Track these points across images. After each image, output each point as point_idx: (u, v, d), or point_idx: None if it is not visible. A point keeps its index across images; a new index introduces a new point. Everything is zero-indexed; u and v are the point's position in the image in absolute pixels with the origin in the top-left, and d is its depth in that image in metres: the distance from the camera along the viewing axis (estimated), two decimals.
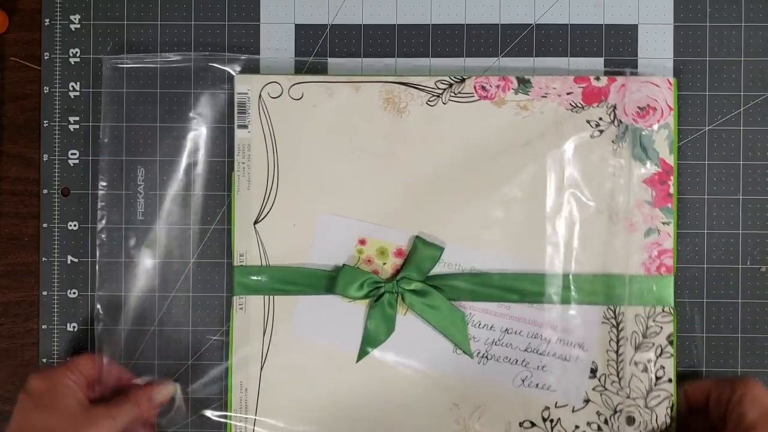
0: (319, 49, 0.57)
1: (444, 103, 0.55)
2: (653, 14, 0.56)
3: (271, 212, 0.55)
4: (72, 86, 0.57)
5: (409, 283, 0.54)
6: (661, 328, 0.54)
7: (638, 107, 0.54)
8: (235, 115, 0.55)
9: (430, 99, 0.55)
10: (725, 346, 0.56)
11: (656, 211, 0.54)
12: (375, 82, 0.55)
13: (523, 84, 0.55)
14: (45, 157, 0.57)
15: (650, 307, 0.54)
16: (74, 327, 0.56)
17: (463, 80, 0.55)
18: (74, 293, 0.56)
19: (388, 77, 0.55)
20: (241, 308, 0.55)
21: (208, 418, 0.55)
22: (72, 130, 0.57)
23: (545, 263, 0.54)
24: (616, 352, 0.54)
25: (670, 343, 0.54)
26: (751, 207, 0.56)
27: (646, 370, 0.54)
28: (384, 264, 0.55)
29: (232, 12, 0.57)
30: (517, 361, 0.54)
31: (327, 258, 0.55)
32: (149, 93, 0.56)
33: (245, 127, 0.55)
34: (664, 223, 0.54)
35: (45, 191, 0.56)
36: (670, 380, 0.54)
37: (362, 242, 0.55)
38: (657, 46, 0.56)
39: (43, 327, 0.56)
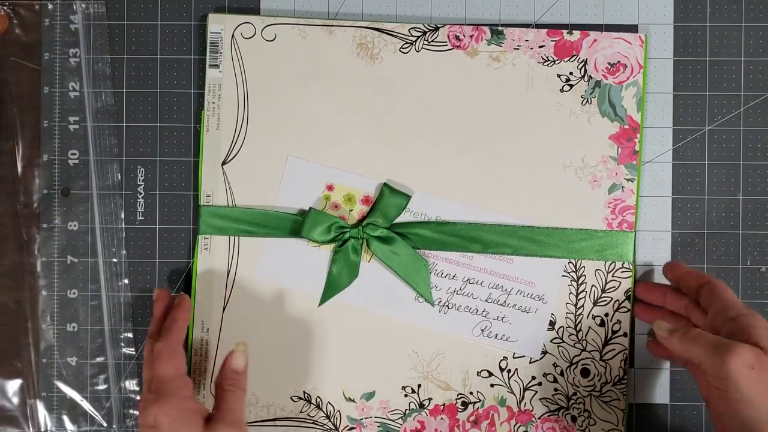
0: None
1: (417, 51, 0.55)
2: (653, 14, 0.56)
3: (239, 154, 0.55)
4: (72, 86, 0.57)
5: (374, 229, 0.54)
6: (620, 283, 0.55)
7: (609, 63, 0.55)
8: (207, 53, 0.55)
9: (404, 46, 0.55)
10: None
11: (621, 167, 0.55)
12: (349, 26, 0.55)
13: (496, 35, 0.55)
14: (45, 157, 0.57)
15: (610, 263, 0.55)
16: (74, 327, 0.56)
17: (437, 29, 0.55)
18: (74, 293, 0.56)
19: (363, 22, 0.55)
20: (206, 248, 0.55)
21: None
22: (72, 130, 0.57)
23: (510, 215, 0.55)
24: (575, 305, 0.55)
25: (628, 298, 0.55)
26: (751, 207, 0.56)
27: (603, 323, 0.55)
28: (351, 210, 0.55)
29: (232, 12, 0.57)
30: (477, 310, 0.55)
31: (294, 202, 0.55)
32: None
33: (216, 66, 0.55)
34: (628, 180, 0.55)
35: (45, 191, 0.56)
36: (625, 334, 0.55)
37: (330, 188, 0.55)
38: (657, 45, 0.56)
39: (43, 327, 0.56)
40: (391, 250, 0.54)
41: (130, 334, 0.56)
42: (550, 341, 0.55)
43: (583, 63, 0.55)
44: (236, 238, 0.55)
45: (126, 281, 0.56)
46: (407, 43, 0.55)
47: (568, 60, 0.55)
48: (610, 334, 0.55)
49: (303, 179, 0.55)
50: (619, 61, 0.55)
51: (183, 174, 0.57)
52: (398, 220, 0.55)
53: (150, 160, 0.57)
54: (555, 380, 0.55)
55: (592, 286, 0.55)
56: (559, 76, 0.55)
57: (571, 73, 0.55)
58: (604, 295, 0.55)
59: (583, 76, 0.55)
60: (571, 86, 0.55)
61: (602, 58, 0.55)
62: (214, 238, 0.55)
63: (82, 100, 0.57)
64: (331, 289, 0.55)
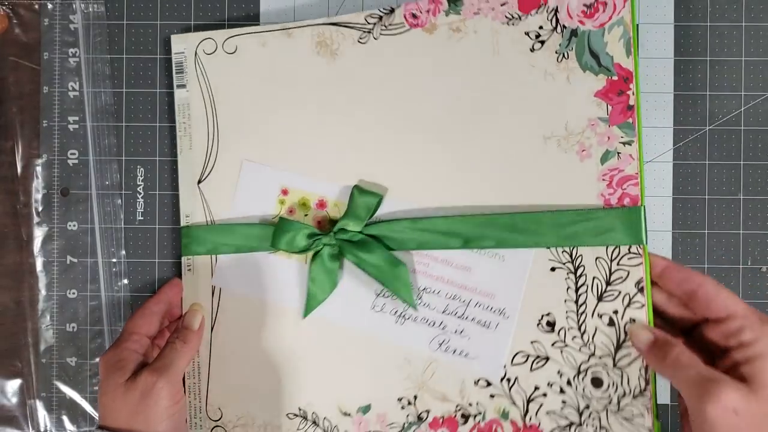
0: None
1: (375, 39, 0.51)
2: (653, 14, 0.56)
3: (213, 171, 0.54)
4: (72, 86, 0.57)
5: (346, 233, 0.50)
6: (628, 272, 0.47)
7: (584, 5, 0.48)
8: (174, 75, 0.55)
9: (361, 36, 0.51)
10: None
11: (613, 129, 0.47)
12: (306, 26, 0.52)
13: (454, 3, 0.50)
14: (44, 156, 0.56)
15: (613, 248, 0.47)
16: (74, 327, 0.56)
17: (392, 10, 0.51)
18: (74, 293, 0.56)
19: (319, 19, 0.52)
20: (189, 269, 0.54)
21: None
22: (72, 130, 0.57)
23: (491, 203, 0.49)
24: (576, 302, 0.48)
25: (641, 290, 0.47)
26: (751, 207, 0.56)
27: (612, 323, 0.47)
28: (305, 216, 0.52)
29: (231, 12, 0.57)
30: (434, 323, 0.51)
31: (249, 207, 0.53)
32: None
33: (183, 86, 0.54)
34: (624, 143, 0.47)
35: (44, 191, 0.56)
36: None
37: (284, 192, 0.53)
38: (657, 45, 0.56)
39: (43, 327, 0.56)
40: (367, 255, 0.50)
41: None
42: (552, 345, 0.49)
43: (553, 12, 0.48)
44: (217, 256, 0.54)
45: (125, 281, 0.56)
46: (365, 32, 0.51)
47: (536, 12, 0.48)
48: (622, 336, 0.47)
49: (258, 184, 0.53)
50: (596, 0, 0.48)
51: None
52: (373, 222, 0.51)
53: (150, 160, 0.57)
54: (562, 391, 0.49)
55: (594, 278, 0.48)
56: (527, 34, 0.49)
57: (540, 27, 0.48)
58: (609, 288, 0.48)
59: (555, 28, 0.48)
60: (543, 43, 0.48)
61: (576, 2, 0.48)
62: (195, 258, 0.54)
63: (82, 100, 0.57)
64: (311, 300, 0.52)
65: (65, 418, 0.56)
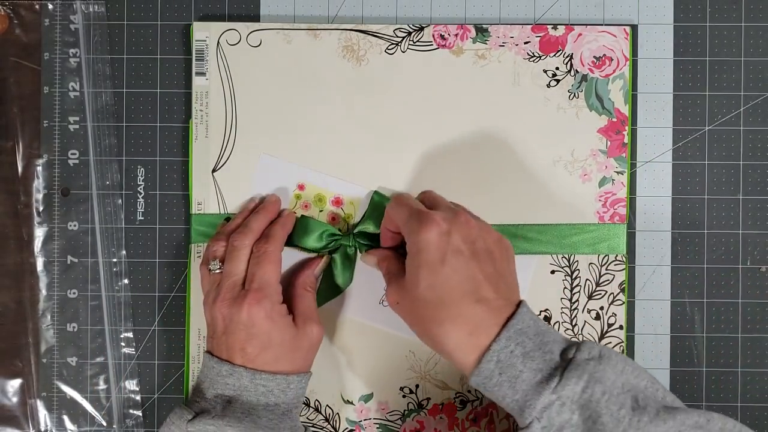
0: None
1: (403, 52, 0.55)
2: (653, 14, 0.56)
3: (229, 161, 0.55)
4: (72, 86, 0.57)
5: (365, 236, 0.54)
6: (614, 276, 0.55)
7: (594, 57, 0.55)
8: (193, 62, 0.55)
9: (389, 47, 0.55)
10: (725, 346, 0.56)
11: (610, 160, 0.55)
12: (334, 29, 0.55)
13: (482, 33, 0.55)
14: (45, 157, 0.57)
15: (603, 256, 0.55)
16: (74, 327, 0.56)
17: (421, 28, 0.55)
18: (74, 293, 0.56)
19: (347, 25, 0.55)
20: (198, 256, 0.55)
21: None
22: (72, 130, 0.57)
23: (501, 213, 0.55)
24: (570, 300, 0.55)
25: (622, 290, 0.55)
26: (751, 207, 0.56)
27: (598, 317, 0.55)
28: (320, 211, 0.55)
29: (232, 12, 0.57)
30: None
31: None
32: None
33: (203, 74, 0.55)
34: (618, 173, 0.55)
35: (45, 191, 0.56)
36: (621, 327, 0.55)
37: (301, 187, 0.55)
38: (657, 46, 0.56)
39: (44, 327, 0.56)
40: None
41: (130, 334, 0.56)
42: None
43: (569, 58, 0.55)
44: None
45: (126, 281, 0.56)
46: (393, 44, 0.55)
47: (554, 55, 0.55)
48: (605, 328, 0.55)
49: (275, 177, 0.55)
50: (604, 55, 0.55)
51: (183, 174, 0.57)
52: None
53: (150, 160, 0.57)
54: None
55: (587, 280, 0.55)
56: (545, 71, 0.55)
57: (557, 68, 0.55)
58: (598, 288, 0.55)
59: (569, 71, 0.55)
60: (558, 81, 0.55)
61: (588, 52, 0.55)
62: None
63: (82, 100, 0.57)
64: (326, 293, 0.54)
65: (66, 418, 0.56)
